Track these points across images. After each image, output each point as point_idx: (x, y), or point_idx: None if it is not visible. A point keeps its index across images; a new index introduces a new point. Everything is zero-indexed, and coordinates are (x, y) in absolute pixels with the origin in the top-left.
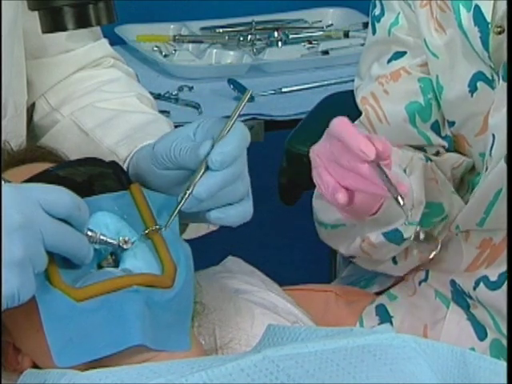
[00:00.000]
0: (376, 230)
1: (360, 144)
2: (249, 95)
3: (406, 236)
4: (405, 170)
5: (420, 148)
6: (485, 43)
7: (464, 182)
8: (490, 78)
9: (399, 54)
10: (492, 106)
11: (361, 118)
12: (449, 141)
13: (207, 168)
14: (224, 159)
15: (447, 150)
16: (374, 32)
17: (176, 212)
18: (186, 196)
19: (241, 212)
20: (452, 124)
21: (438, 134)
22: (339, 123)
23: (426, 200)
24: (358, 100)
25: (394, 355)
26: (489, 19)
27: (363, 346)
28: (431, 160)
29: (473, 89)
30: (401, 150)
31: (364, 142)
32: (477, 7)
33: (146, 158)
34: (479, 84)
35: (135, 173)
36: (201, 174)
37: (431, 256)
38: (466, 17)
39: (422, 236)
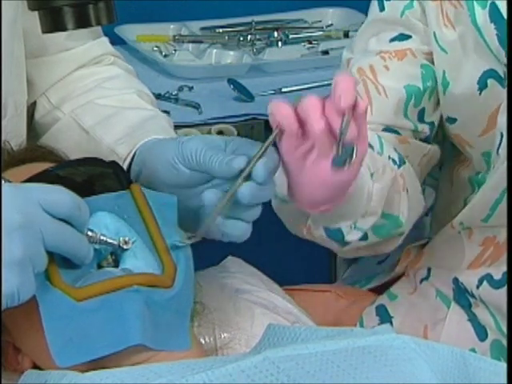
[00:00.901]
0: (320, 223)
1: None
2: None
3: (347, 239)
4: (372, 175)
5: (395, 131)
6: (502, 40)
7: (467, 183)
8: (502, 75)
9: (405, 37)
10: (502, 104)
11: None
12: (431, 127)
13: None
14: (268, 172)
15: (425, 139)
16: (381, 9)
17: (215, 214)
18: (225, 201)
19: (241, 231)
20: (453, 121)
21: (422, 119)
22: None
23: (387, 211)
24: (354, 70)
25: (394, 356)
26: (506, 16)
27: (363, 347)
28: (405, 162)
29: (482, 86)
30: (377, 154)
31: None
32: (493, 4)
33: (169, 151)
34: (489, 81)
35: (144, 164)
36: (239, 184)
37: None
38: (481, 14)
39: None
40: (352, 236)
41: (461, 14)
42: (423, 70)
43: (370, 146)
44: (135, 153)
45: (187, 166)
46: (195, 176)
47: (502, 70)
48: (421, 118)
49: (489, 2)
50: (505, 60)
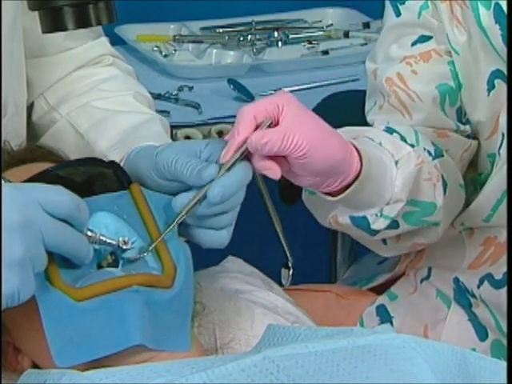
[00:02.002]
0: (345, 211)
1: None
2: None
3: (373, 227)
4: (397, 162)
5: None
6: (506, 40)
7: (469, 184)
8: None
9: (426, 38)
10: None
11: (389, 99)
12: (471, 127)
13: (205, 196)
14: (225, 195)
15: (468, 137)
16: (398, 14)
17: (168, 231)
18: (179, 218)
19: (213, 239)
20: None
21: (460, 119)
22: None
23: (416, 198)
24: (383, 81)
25: (394, 355)
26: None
27: (363, 346)
28: (443, 155)
29: (490, 87)
30: (402, 143)
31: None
32: (497, 5)
33: (146, 163)
34: (497, 82)
35: (132, 173)
36: (197, 199)
37: None
38: (486, 15)
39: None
40: (379, 224)
41: (466, 15)
42: (451, 67)
43: (401, 136)
44: (129, 155)
45: (162, 177)
46: (173, 185)
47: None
48: (459, 118)
49: (493, 3)
50: None
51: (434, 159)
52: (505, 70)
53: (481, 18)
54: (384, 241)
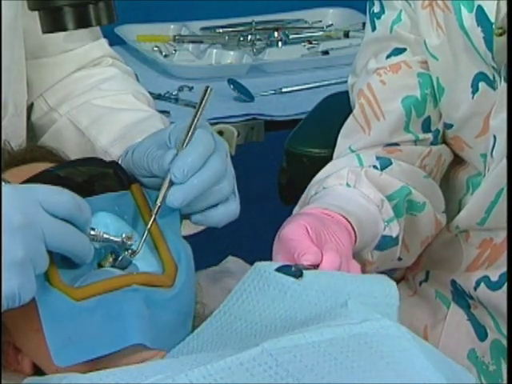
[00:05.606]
0: (367, 249)
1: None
2: (210, 94)
3: (395, 235)
4: (347, 184)
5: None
6: (489, 43)
7: (463, 183)
8: (492, 78)
9: (399, 50)
10: (493, 107)
11: (355, 112)
12: (436, 134)
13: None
14: (186, 172)
15: (432, 143)
16: (373, 29)
17: (150, 225)
18: (156, 210)
19: (223, 213)
20: (450, 126)
21: (428, 129)
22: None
23: (388, 193)
24: (354, 94)
25: (390, 347)
26: (492, 19)
27: (360, 335)
28: (391, 163)
29: (474, 89)
30: (338, 172)
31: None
32: (479, 8)
33: (128, 162)
34: (481, 85)
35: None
36: (166, 186)
37: None
38: (468, 17)
39: None
40: (395, 229)
41: (448, 18)
42: (420, 78)
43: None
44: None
45: (139, 174)
46: (148, 182)
47: (490, 73)
48: (426, 127)
49: (475, 6)
50: (493, 63)
51: (381, 170)
52: (488, 72)
53: (463, 19)
54: (399, 258)
